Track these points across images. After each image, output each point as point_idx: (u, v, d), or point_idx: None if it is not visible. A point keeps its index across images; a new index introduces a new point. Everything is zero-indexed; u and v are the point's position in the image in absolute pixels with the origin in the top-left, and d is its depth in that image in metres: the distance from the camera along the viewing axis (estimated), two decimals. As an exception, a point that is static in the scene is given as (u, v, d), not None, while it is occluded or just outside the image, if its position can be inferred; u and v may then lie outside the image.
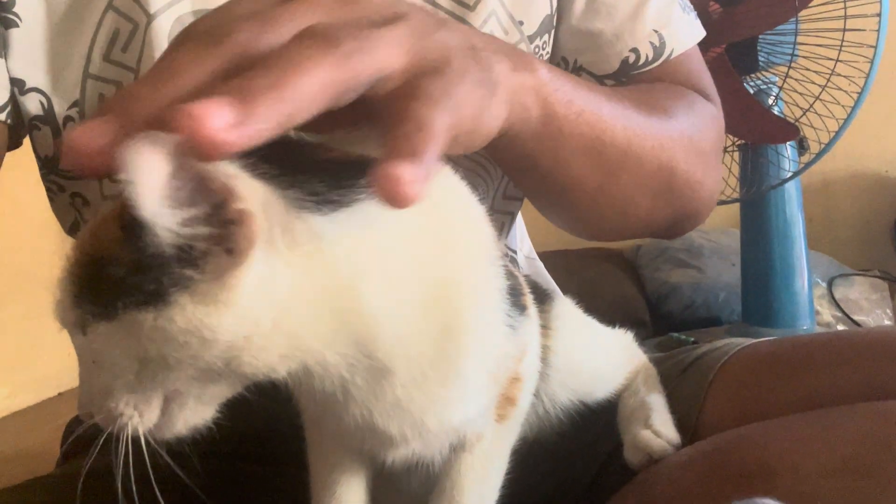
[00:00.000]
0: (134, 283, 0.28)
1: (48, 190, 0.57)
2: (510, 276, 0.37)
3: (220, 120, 0.25)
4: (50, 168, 0.55)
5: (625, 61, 0.58)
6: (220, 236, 0.28)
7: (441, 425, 0.35)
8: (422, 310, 0.32)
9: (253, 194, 0.28)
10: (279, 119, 0.26)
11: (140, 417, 0.30)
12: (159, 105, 0.27)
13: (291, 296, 0.29)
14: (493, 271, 0.36)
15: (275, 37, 0.29)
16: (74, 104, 0.52)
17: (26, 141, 0.56)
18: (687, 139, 0.54)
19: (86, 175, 0.28)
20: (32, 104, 0.52)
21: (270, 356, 0.29)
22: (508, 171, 0.53)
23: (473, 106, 0.33)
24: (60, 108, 0.52)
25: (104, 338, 0.29)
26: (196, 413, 0.31)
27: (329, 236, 0.29)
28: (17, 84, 0.51)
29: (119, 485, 0.30)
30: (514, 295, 0.37)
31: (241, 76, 0.27)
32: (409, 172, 0.26)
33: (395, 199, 0.26)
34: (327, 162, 0.32)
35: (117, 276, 0.28)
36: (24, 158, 0.57)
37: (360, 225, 0.30)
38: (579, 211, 0.53)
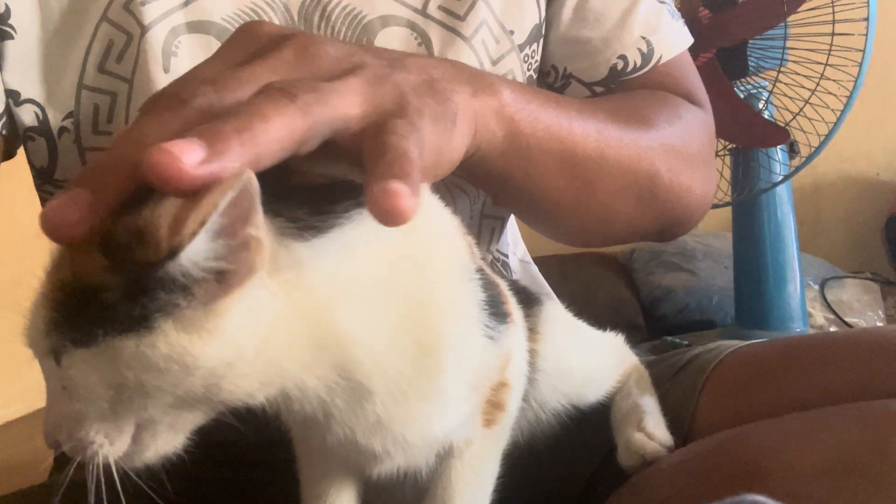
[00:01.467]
0: (121, 310, 0.27)
1: (43, 200, 0.57)
2: (489, 286, 0.38)
3: (191, 157, 0.26)
4: (45, 178, 0.55)
5: (613, 68, 0.59)
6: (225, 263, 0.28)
7: (423, 439, 0.36)
8: (398, 330, 0.32)
9: (262, 222, 0.28)
10: (246, 160, 0.27)
11: (111, 446, 0.30)
12: (125, 171, 0.28)
13: (273, 324, 0.29)
14: (468, 286, 0.36)
15: (235, 97, 0.30)
16: (69, 115, 0.52)
17: (20, 151, 0.56)
18: (668, 147, 0.55)
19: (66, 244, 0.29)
20: (27, 115, 0.52)
21: (251, 383, 0.30)
22: (483, 188, 0.54)
23: (434, 141, 0.34)
24: (55, 120, 0.52)
25: (80, 365, 0.28)
26: (167, 441, 0.31)
27: (308, 263, 0.30)
28: (11, 95, 0.52)
29: (91, 500, 0.30)
30: (494, 305, 0.37)
31: (210, 122, 0.28)
32: (401, 187, 0.27)
33: (393, 213, 0.27)
34: (300, 187, 0.32)
35: (106, 303, 0.28)
36: (17, 169, 0.57)
37: (336, 251, 0.30)
38: (559, 221, 0.54)
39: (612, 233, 0.57)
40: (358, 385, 0.32)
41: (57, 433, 0.31)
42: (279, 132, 0.28)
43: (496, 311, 0.37)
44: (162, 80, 0.50)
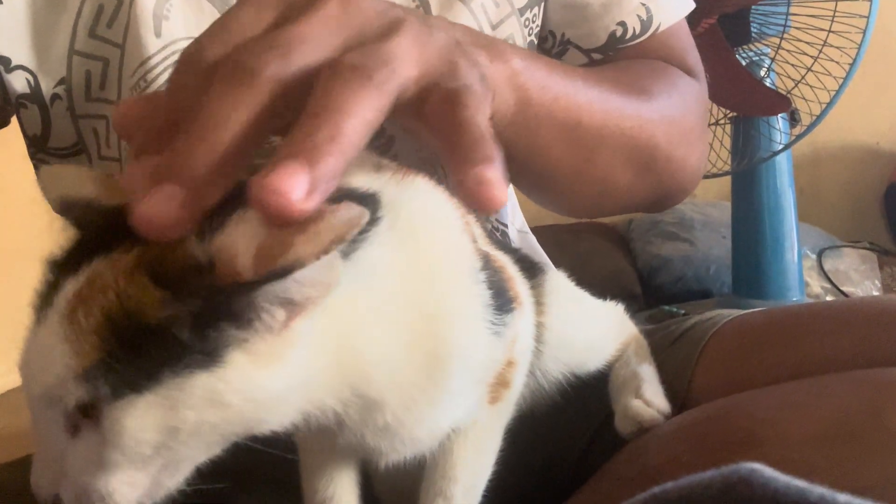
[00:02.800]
0: (190, 345, 0.26)
1: (36, 168, 0.57)
2: (494, 274, 0.37)
3: (299, 191, 0.25)
4: (38, 146, 0.54)
5: (612, 35, 0.58)
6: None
7: (431, 435, 0.36)
8: (411, 345, 0.32)
9: None
10: (342, 168, 0.26)
11: (134, 493, 0.28)
12: (219, 162, 0.26)
13: (314, 348, 0.29)
14: (475, 288, 0.35)
15: (300, 63, 0.28)
16: (61, 81, 0.51)
17: (12, 119, 0.56)
18: (667, 119, 0.54)
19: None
20: (19, 82, 0.51)
21: (291, 410, 0.29)
22: None
23: (489, 106, 0.33)
24: (47, 86, 0.51)
25: (137, 412, 0.26)
26: (178, 478, 0.29)
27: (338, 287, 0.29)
28: (2, 62, 0.51)
29: None
30: (500, 295, 0.37)
31: (297, 132, 0.26)
32: (494, 175, 0.27)
33: (488, 205, 0.27)
34: None
35: (175, 339, 0.26)
36: (10, 136, 0.57)
37: (356, 275, 0.30)
38: (558, 192, 0.54)
39: (609, 204, 0.57)
40: (371, 401, 0.32)
41: (58, 486, 0.28)
42: (364, 124, 0.27)
43: (502, 302, 0.37)
44: (153, 45, 0.49)
